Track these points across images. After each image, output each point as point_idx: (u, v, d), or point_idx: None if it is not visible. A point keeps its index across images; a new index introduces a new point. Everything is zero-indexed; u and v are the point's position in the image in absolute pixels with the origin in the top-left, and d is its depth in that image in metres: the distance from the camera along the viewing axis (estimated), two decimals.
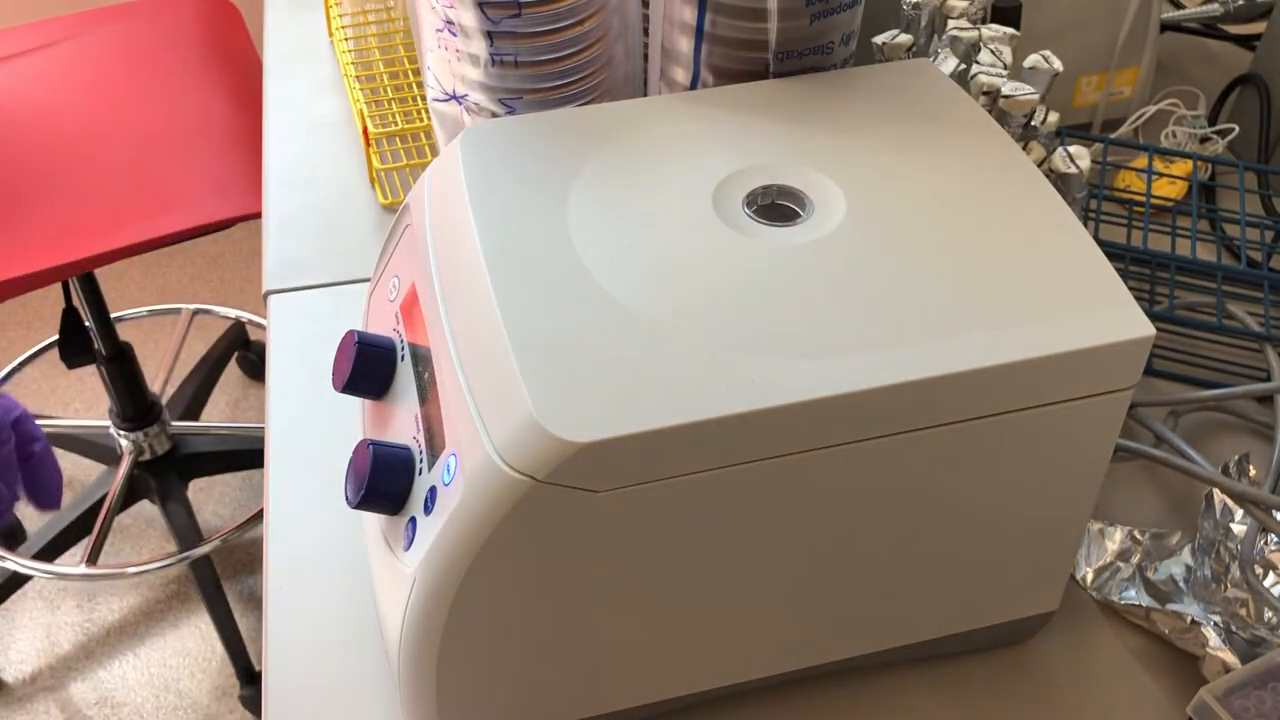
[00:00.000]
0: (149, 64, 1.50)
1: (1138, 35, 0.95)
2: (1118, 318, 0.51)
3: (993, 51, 0.71)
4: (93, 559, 1.73)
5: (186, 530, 1.75)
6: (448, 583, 0.48)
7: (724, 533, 0.51)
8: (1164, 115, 0.98)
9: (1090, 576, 0.67)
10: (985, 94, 0.69)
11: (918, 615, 0.60)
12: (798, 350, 0.49)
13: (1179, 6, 1.08)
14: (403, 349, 0.58)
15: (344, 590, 0.66)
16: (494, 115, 0.72)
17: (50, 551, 1.74)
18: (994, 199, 0.57)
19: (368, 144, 0.93)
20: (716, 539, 0.51)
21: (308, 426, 0.75)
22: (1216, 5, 1.03)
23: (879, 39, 0.75)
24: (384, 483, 0.52)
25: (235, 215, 1.29)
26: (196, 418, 1.93)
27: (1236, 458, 0.69)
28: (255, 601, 1.76)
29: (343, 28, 1.09)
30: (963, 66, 0.73)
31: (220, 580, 1.72)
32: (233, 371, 2.08)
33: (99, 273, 1.56)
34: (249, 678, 1.63)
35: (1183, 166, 0.91)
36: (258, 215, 1.10)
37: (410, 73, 1.04)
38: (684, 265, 0.53)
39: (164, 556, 1.76)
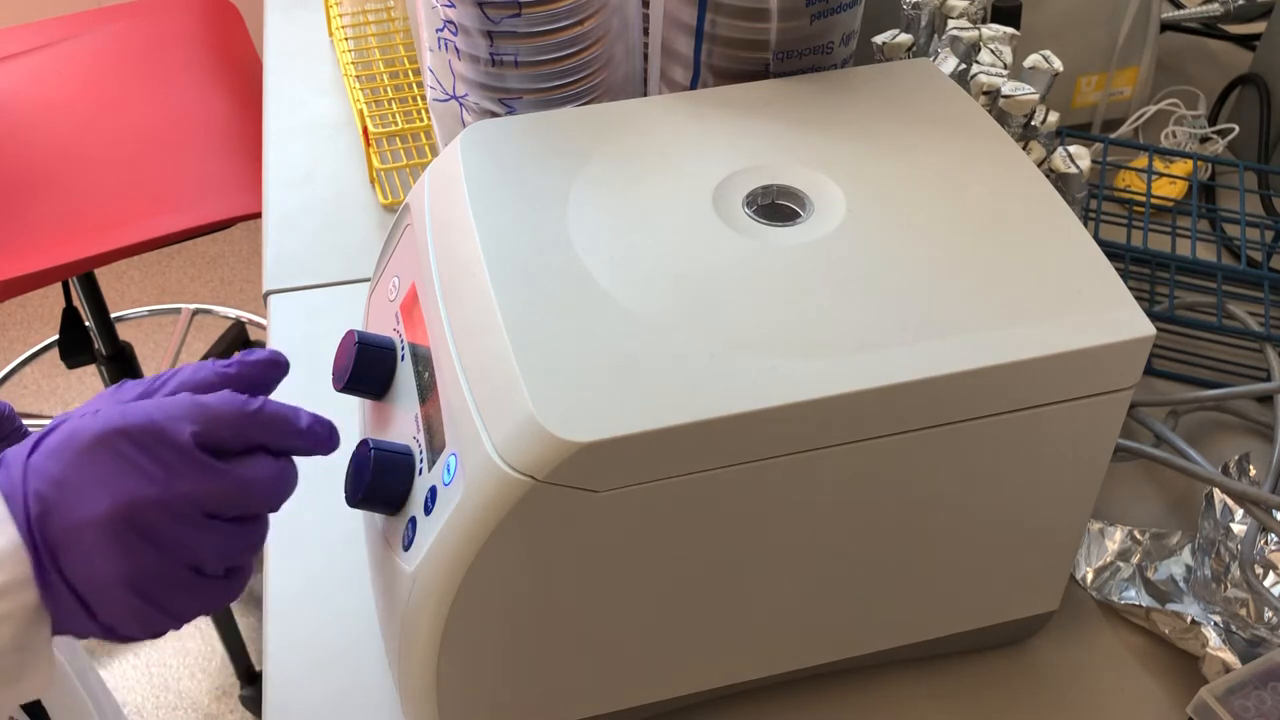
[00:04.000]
0: (149, 64, 1.50)
1: (1138, 35, 0.95)
2: (1118, 318, 0.51)
3: (993, 51, 0.71)
4: None
5: None
6: (448, 583, 0.48)
7: (724, 533, 0.51)
8: (1164, 115, 0.98)
9: (1090, 576, 0.67)
10: (985, 94, 0.69)
11: (918, 615, 0.60)
12: (798, 350, 0.49)
13: (1179, 6, 1.08)
14: (403, 349, 0.58)
15: (344, 590, 0.66)
16: (494, 115, 0.72)
17: None
18: (994, 199, 0.56)
19: (368, 144, 0.93)
20: (716, 539, 0.51)
21: None
22: (1216, 5, 1.03)
23: (879, 39, 0.75)
24: (384, 483, 0.52)
25: (235, 215, 1.29)
26: None
27: (1236, 458, 0.69)
28: (255, 601, 1.75)
29: (343, 27, 1.09)
30: (963, 66, 0.73)
31: None
32: None
33: (99, 273, 1.55)
34: (249, 678, 1.63)
35: (1183, 166, 0.91)
36: (258, 215, 1.10)
37: (410, 73, 1.04)
38: (684, 265, 0.53)
39: None
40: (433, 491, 0.50)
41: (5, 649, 0.45)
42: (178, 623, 0.48)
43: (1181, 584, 0.65)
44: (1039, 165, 0.70)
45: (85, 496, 0.45)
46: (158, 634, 0.48)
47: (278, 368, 0.53)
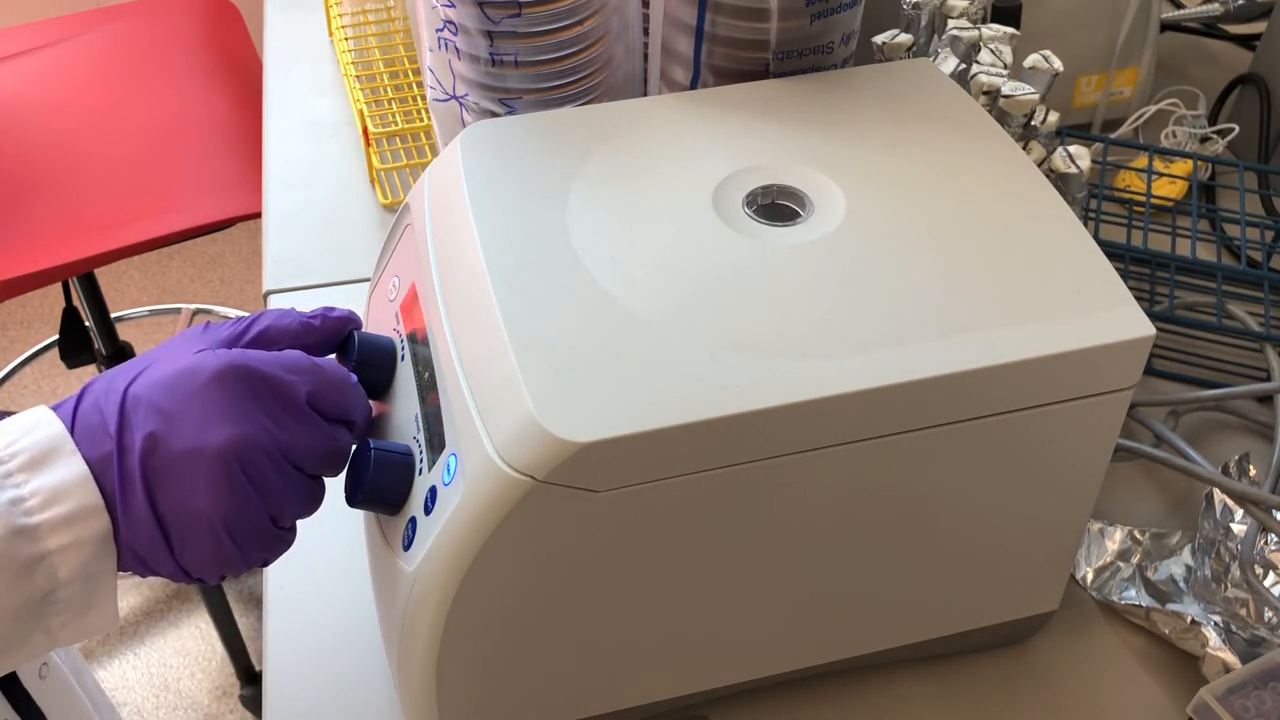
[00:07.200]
0: (149, 64, 1.50)
1: (1138, 35, 0.95)
2: (1118, 318, 0.51)
3: (993, 51, 0.71)
4: None
5: None
6: (448, 583, 0.48)
7: (724, 532, 0.51)
8: (1164, 115, 0.98)
9: (1090, 576, 0.67)
10: (985, 94, 0.69)
11: (918, 615, 0.60)
12: (798, 350, 0.49)
13: (1179, 6, 1.08)
14: (403, 349, 0.58)
15: (344, 590, 0.66)
16: (494, 115, 0.72)
17: None
18: (994, 199, 0.56)
19: (368, 144, 0.93)
20: (716, 539, 0.51)
21: None
22: (1216, 5, 1.03)
23: (879, 39, 0.75)
24: (384, 483, 0.52)
25: (235, 215, 1.29)
26: None
27: (1236, 458, 0.69)
28: (255, 601, 1.76)
29: (343, 27, 1.09)
30: (963, 66, 0.73)
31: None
32: None
33: (99, 273, 1.55)
34: (249, 678, 1.63)
35: (1183, 166, 0.91)
36: (258, 215, 1.10)
37: (410, 73, 1.04)
38: (684, 265, 0.53)
39: None
40: (433, 491, 0.50)
41: (74, 577, 0.46)
42: (242, 569, 0.49)
43: (1181, 584, 0.65)
44: (1039, 165, 0.70)
45: (200, 428, 0.46)
46: (222, 577, 0.49)
47: (352, 322, 0.56)
